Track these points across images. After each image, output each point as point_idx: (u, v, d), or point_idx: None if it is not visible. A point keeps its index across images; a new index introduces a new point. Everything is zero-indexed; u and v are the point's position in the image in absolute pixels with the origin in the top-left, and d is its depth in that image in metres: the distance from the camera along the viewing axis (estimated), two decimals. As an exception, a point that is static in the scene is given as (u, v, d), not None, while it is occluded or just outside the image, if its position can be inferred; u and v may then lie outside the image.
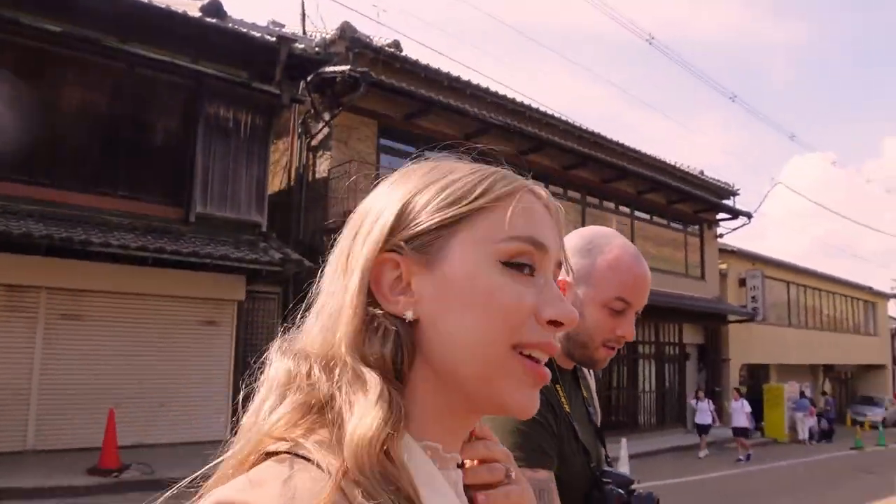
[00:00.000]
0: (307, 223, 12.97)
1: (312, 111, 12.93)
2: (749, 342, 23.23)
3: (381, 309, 0.61)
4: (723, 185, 22.51)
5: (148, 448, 10.00)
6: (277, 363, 0.62)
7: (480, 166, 0.66)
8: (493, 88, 14.90)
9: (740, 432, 16.26)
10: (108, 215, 10.20)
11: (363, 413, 0.55)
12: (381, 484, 0.52)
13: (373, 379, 0.57)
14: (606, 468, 1.99)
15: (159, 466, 9.00)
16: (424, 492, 0.55)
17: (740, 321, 22.36)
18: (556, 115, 16.41)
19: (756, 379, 25.16)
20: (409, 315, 0.60)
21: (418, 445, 0.59)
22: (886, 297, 35.83)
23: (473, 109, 13.49)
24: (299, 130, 13.35)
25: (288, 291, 12.23)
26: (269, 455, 0.55)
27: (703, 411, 16.24)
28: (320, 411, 0.58)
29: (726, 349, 22.53)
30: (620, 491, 1.79)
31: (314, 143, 13.18)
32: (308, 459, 0.53)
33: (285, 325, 0.68)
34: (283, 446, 0.54)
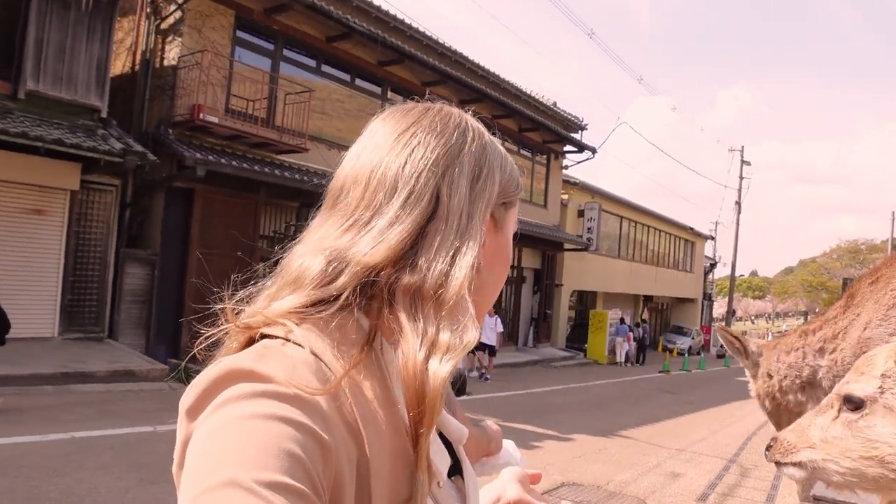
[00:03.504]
0: (152, 113, 12.20)
1: (163, -10, 12.04)
2: (581, 270, 24.80)
3: None
4: (573, 119, 23.42)
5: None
6: (311, 259, 0.67)
7: (506, 152, 0.81)
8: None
9: (484, 348, 15.15)
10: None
11: (454, 343, 0.62)
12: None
13: (470, 309, 0.66)
14: None
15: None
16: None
17: (575, 250, 23.74)
18: (420, 28, 16.25)
19: (584, 304, 27.09)
20: (480, 264, 0.71)
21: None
22: (704, 237, 39.28)
23: (337, 12, 13.12)
24: (148, 9, 12.36)
25: (127, 184, 11.60)
26: (266, 336, 0.62)
27: (487, 329, 14.95)
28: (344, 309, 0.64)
29: (560, 275, 23.93)
30: None
31: (164, 25, 12.27)
32: (299, 345, 0.60)
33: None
34: (280, 331, 0.62)
